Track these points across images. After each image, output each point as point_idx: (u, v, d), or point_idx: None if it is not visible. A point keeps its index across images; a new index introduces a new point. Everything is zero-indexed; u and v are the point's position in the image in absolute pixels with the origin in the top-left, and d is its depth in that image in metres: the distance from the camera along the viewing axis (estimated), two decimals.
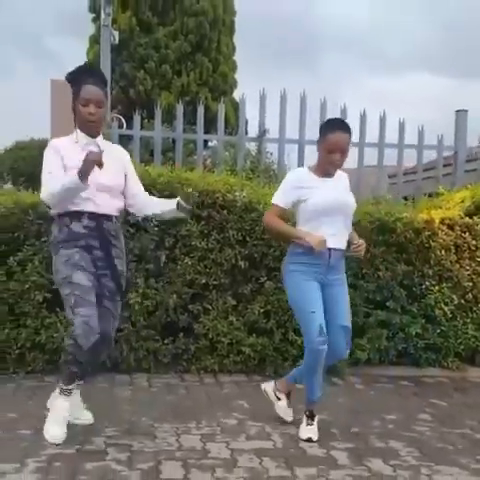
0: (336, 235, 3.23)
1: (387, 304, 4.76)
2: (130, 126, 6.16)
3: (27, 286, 4.25)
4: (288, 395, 3.53)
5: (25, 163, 13.39)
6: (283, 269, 3.38)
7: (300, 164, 6.23)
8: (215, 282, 4.54)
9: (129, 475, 2.62)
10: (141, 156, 6.02)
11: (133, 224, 4.41)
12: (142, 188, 3.40)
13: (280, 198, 3.31)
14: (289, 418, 3.48)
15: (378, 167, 6.44)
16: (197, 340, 4.54)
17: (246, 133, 7.31)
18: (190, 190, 3.14)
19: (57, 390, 3.08)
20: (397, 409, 3.88)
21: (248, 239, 4.56)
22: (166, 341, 4.48)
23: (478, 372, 4.94)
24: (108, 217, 3.13)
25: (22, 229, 4.32)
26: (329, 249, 3.19)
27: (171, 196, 4.41)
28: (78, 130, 3.14)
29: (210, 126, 6.46)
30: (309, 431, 3.23)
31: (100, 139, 3.19)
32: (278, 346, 4.59)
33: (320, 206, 3.19)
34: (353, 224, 4.74)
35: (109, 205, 3.13)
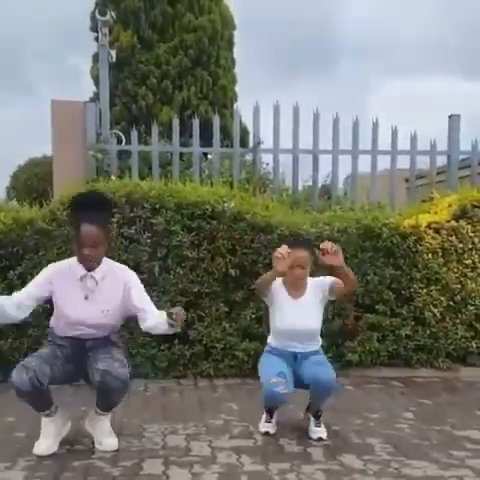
0: (302, 344, 3.46)
1: (376, 307, 4.89)
2: (130, 142, 6.36)
3: None
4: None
5: (38, 180, 13.64)
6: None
7: (295, 173, 6.39)
8: (207, 290, 4.71)
9: (111, 471, 2.80)
10: (140, 171, 6.21)
11: (126, 237, 4.61)
12: (152, 305, 3.18)
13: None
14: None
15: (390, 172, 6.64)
16: (192, 346, 4.71)
17: (246, 145, 7.51)
18: (178, 309, 3.00)
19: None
20: (382, 408, 4.01)
21: (238, 248, 4.72)
22: (162, 347, 4.66)
23: (470, 372, 5.02)
24: (95, 338, 3.15)
25: (21, 244, 4.55)
26: (295, 354, 3.44)
27: (161, 208, 4.64)
28: (76, 260, 3.09)
29: (211, 139, 6.61)
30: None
31: (101, 268, 3.10)
32: None
33: (283, 330, 3.46)
34: (340, 231, 4.91)
35: (96, 332, 3.14)
